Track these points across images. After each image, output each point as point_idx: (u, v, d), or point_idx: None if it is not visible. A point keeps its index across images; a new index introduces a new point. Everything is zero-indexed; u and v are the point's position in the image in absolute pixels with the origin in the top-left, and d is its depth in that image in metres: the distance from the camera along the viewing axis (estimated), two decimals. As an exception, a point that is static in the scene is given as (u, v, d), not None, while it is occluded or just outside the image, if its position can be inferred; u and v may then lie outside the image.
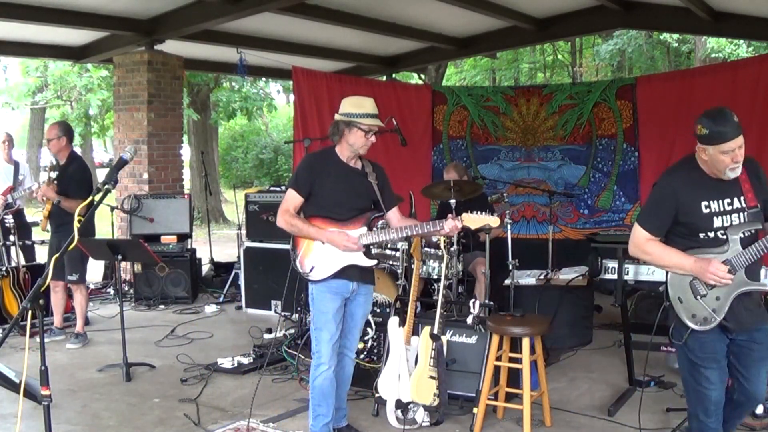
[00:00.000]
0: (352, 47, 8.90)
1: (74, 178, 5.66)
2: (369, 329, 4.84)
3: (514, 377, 4.14)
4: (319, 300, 3.67)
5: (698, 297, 2.94)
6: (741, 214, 2.92)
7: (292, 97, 12.94)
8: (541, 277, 5.78)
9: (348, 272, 3.65)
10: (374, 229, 3.72)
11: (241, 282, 7.21)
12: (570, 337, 5.63)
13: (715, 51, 13.39)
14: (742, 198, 2.94)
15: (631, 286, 4.37)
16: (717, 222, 2.94)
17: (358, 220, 3.66)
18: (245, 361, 5.19)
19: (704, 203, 2.95)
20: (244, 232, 7.45)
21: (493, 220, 3.56)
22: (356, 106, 3.64)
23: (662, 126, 7.25)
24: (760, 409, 3.95)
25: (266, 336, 5.87)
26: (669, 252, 3.02)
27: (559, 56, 19.60)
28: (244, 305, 7.17)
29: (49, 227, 5.91)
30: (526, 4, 7.28)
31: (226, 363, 5.15)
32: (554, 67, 19.76)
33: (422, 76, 13.85)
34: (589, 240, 4.55)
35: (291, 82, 8.33)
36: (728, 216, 2.94)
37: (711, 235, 2.96)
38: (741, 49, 13.28)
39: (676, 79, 7.62)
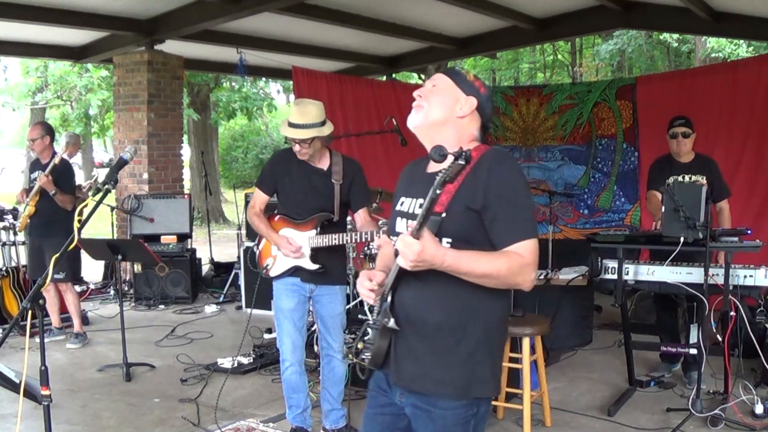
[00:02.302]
0: (352, 47, 8.90)
1: (63, 175, 5.68)
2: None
3: (514, 377, 4.14)
4: (276, 296, 3.76)
5: (372, 320, 2.15)
6: None
7: (292, 97, 12.94)
8: (541, 277, 5.78)
9: (299, 273, 3.70)
10: (349, 229, 3.73)
11: (241, 282, 7.21)
12: (570, 337, 5.63)
13: (715, 51, 13.38)
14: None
15: (631, 286, 4.36)
16: (399, 225, 2.14)
17: (311, 221, 3.67)
18: (245, 361, 5.20)
19: (403, 199, 2.17)
20: (244, 232, 7.45)
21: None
22: (290, 112, 3.63)
23: (662, 126, 7.17)
24: (759, 409, 3.95)
25: (266, 336, 5.87)
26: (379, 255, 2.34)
27: (559, 56, 19.59)
28: (244, 305, 7.17)
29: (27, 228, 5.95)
30: (526, 4, 7.28)
31: (226, 363, 5.15)
32: (554, 67, 19.76)
33: (422, 76, 13.84)
34: (589, 240, 4.54)
35: (291, 82, 8.32)
36: (408, 222, 2.07)
37: (394, 240, 2.12)
38: (741, 49, 13.27)
39: (676, 79, 7.62)
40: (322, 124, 3.58)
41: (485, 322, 2.02)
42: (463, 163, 1.75)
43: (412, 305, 2.01)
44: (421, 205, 2.00)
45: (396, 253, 2.03)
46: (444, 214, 1.86)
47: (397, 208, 2.17)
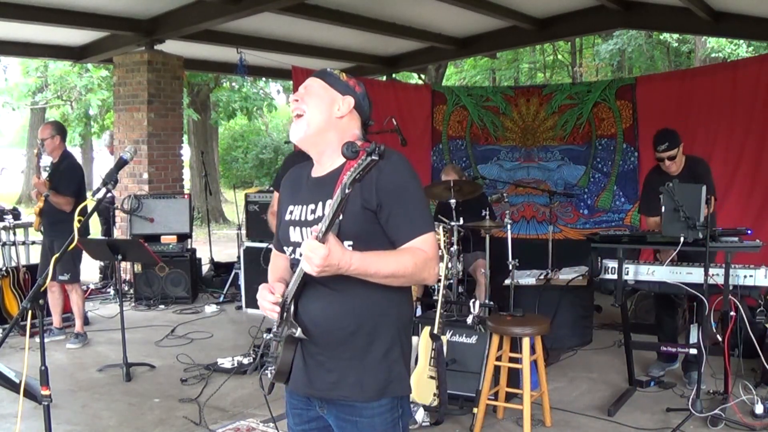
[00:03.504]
0: (352, 47, 8.90)
1: (65, 175, 5.68)
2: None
3: (514, 377, 4.14)
4: None
5: (273, 332, 2.06)
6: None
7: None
8: (541, 277, 5.78)
9: None
10: None
11: (241, 282, 7.21)
12: (570, 337, 5.63)
13: (715, 51, 13.40)
14: (328, 203, 1.86)
15: (631, 286, 4.37)
16: (294, 235, 2.04)
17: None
18: (245, 361, 5.19)
19: (290, 207, 2.09)
20: (244, 232, 7.46)
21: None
22: None
23: (662, 126, 7.23)
24: (759, 409, 3.95)
25: (266, 336, 5.85)
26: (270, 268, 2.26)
27: (559, 56, 19.60)
28: (244, 305, 7.17)
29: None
30: (526, 4, 7.28)
31: (226, 363, 5.15)
32: (554, 67, 19.77)
33: (422, 76, 13.85)
34: (588, 240, 4.55)
35: (291, 82, 8.33)
36: (308, 229, 1.98)
37: (289, 251, 2.08)
38: (741, 49, 13.28)
39: (676, 79, 7.62)
40: None
41: (397, 321, 2.00)
42: (376, 158, 1.66)
43: (320, 315, 1.94)
44: (313, 211, 1.99)
45: (292, 264, 2.03)
46: (341, 216, 1.76)
47: (287, 218, 2.08)
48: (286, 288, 2.00)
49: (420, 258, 1.90)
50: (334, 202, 1.71)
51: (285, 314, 1.98)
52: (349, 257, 1.79)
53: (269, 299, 1.98)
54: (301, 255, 1.82)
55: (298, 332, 1.93)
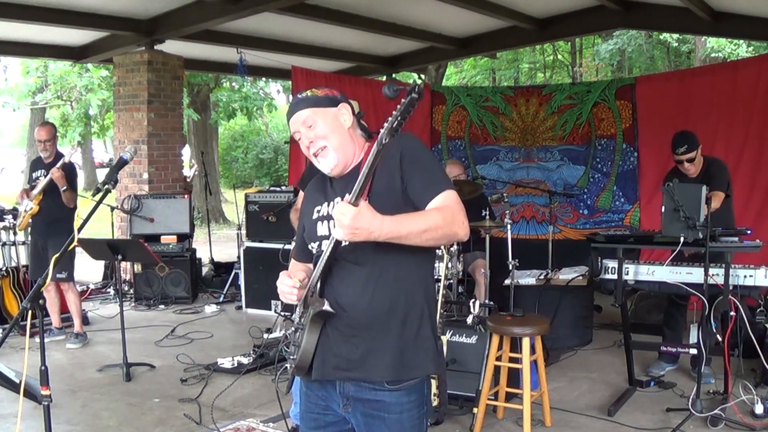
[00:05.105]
0: (352, 47, 8.90)
1: (69, 174, 5.71)
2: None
3: (514, 377, 4.14)
4: None
5: (295, 324, 2.09)
6: None
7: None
8: (541, 277, 5.79)
9: None
10: None
11: (241, 282, 7.22)
12: (570, 337, 5.63)
13: (715, 51, 13.39)
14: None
15: (631, 286, 4.37)
16: (321, 229, 2.07)
17: None
18: (245, 361, 5.19)
19: (317, 208, 2.12)
20: (244, 232, 7.46)
21: None
22: None
23: (662, 126, 7.26)
24: (759, 409, 3.95)
25: (265, 336, 5.86)
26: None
27: (559, 56, 19.60)
28: (244, 305, 7.17)
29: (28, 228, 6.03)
30: (526, 4, 7.28)
31: (226, 363, 5.15)
32: (554, 67, 19.76)
33: (422, 76, 13.84)
34: (588, 240, 4.55)
35: (291, 82, 8.33)
36: (333, 222, 1.97)
37: (315, 246, 2.09)
38: (741, 49, 13.29)
39: (675, 79, 7.62)
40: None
41: (424, 298, 2.04)
42: (416, 96, 1.66)
43: (353, 294, 1.95)
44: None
45: (316, 259, 2.04)
46: (366, 200, 1.79)
47: (314, 216, 2.10)
48: (306, 277, 2.02)
49: (447, 213, 1.90)
50: (369, 158, 1.72)
51: (311, 295, 1.98)
52: (380, 221, 1.78)
53: (287, 282, 2.00)
54: (328, 239, 1.89)
55: (326, 305, 1.93)
